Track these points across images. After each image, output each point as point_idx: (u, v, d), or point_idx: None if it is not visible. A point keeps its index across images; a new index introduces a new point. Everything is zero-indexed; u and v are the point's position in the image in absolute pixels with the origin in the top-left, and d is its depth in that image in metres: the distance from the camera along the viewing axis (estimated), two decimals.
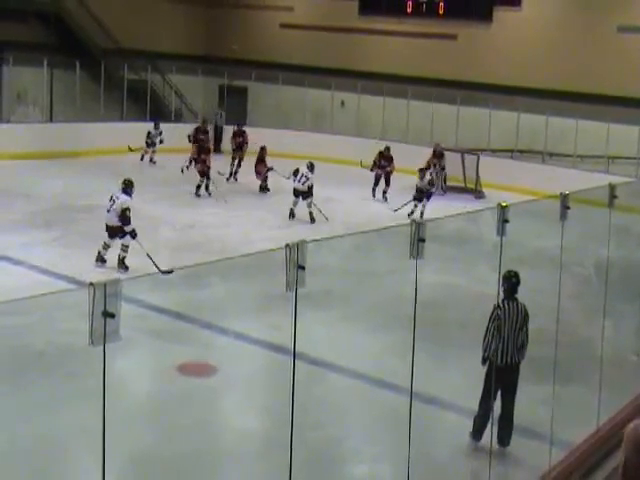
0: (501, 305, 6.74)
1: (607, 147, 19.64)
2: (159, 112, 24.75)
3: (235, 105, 26.02)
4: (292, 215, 15.64)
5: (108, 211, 11.59)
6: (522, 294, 9.72)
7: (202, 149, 18.47)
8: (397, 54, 25.07)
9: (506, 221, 5.76)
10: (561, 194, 6.47)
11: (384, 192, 18.62)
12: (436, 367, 8.57)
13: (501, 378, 6.57)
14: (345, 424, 7.66)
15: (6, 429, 6.64)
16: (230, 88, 26.26)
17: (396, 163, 18.90)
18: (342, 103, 24.81)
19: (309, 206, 15.61)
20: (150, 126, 21.75)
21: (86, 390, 3.13)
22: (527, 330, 6.80)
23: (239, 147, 20.84)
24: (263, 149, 19.09)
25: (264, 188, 18.56)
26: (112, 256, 11.68)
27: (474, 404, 6.73)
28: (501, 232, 5.76)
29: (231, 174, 20.08)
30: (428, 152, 20.97)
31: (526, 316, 6.80)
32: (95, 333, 3.06)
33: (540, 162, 21.16)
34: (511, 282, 6.73)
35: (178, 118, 25.76)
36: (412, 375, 4.68)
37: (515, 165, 20.95)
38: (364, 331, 9.32)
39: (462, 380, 8.26)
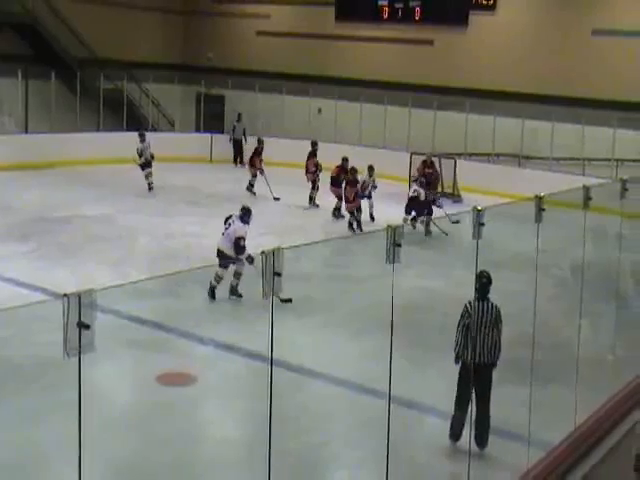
0: (471, 303, 6.82)
1: (582, 149, 19.82)
2: (136, 121, 24.64)
3: (212, 113, 26.01)
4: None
5: (222, 234, 10.88)
6: (499, 296, 9.79)
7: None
8: (374, 60, 25.16)
9: (482, 224, 5.81)
10: (536, 196, 6.53)
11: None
12: (415, 371, 8.60)
13: (474, 378, 6.62)
14: (326, 430, 7.67)
15: None
16: (207, 96, 26.23)
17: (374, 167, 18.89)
18: (319, 110, 24.84)
19: (371, 207, 16.79)
20: (131, 137, 21.43)
21: (65, 401, 3.12)
22: (499, 331, 6.84)
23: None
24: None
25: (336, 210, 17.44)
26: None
27: (452, 407, 6.77)
28: (477, 235, 5.81)
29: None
30: (406, 157, 21.07)
31: (498, 317, 6.84)
32: (70, 344, 3.05)
33: (516, 165, 21.29)
34: (482, 282, 6.77)
35: (155, 128, 25.68)
36: (390, 379, 4.71)
37: (492, 169, 21.06)
38: (345, 337, 9.34)
39: (441, 383, 8.30)
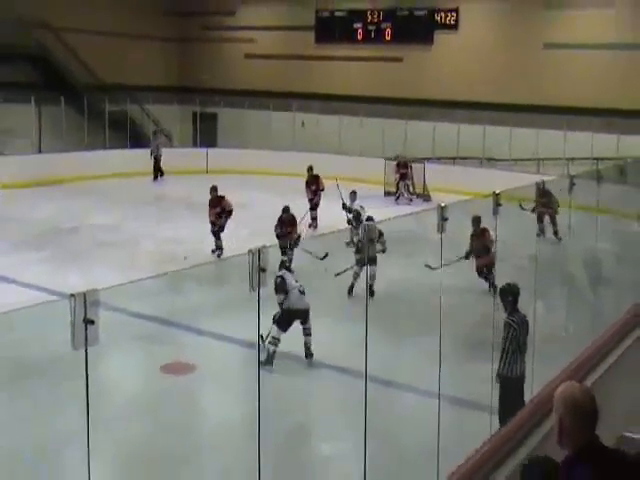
0: (513, 320, 6.43)
1: (537, 151, 19.94)
2: (138, 139, 24.61)
3: (207, 129, 26.01)
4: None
5: (302, 292, 8.84)
6: (465, 283, 9.83)
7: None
8: (350, 77, 25.20)
9: (445, 219, 5.79)
10: (493, 193, 6.53)
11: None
12: (394, 353, 8.64)
13: (516, 389, 6.25)
14: (314, 409, 7.69)
15: (6, 430, 6.59)
16: (202, 114, 26.20)
17: (353, 174, 18.92)
18: (302, 123, 24.84)
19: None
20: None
21: (77, 393, 3.12)
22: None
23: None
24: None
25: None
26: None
27: (428, 385, 6.71)
28: (441, 229, 5.79)
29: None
30: (381, 163, 21.10)
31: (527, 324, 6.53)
32: (77, 339, 3.05)
33: (479, 166, 21.37)
34: (514, 292, 6.47)
35: None
36: (366, 359, 4.72)
37: (457, 170, 21.11)
38: (328, 324, 9.31)
39: (416, 363, 8.32)
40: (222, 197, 14.14)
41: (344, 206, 14.06)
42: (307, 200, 16.29)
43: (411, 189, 20.55)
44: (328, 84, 25.35)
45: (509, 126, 20.23)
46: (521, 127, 20.06)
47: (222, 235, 13.78)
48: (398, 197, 20.26)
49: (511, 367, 6.39)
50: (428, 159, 21.21)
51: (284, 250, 10.52)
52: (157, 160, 22.44)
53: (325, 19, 25.94)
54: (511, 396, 6.24)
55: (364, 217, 13.03)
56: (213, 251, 13.64)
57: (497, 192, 6.55)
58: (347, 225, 13.55)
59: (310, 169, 17.00)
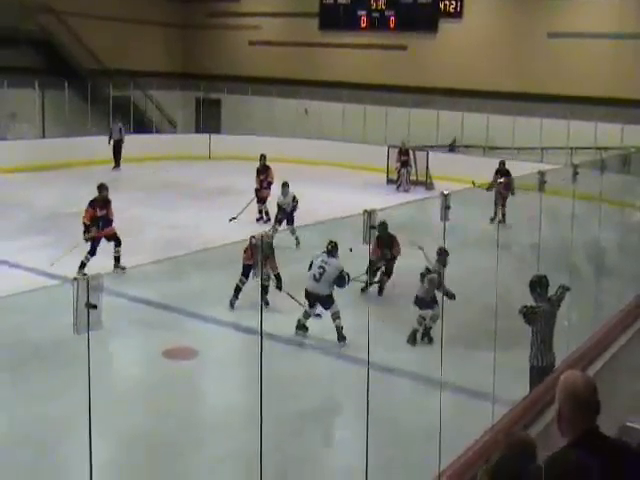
0: (540, 307, 6.46)
1: (540, 139, 19.86)
2: (141, 124, 24.58)
3: (211, 116, 25.93)
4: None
5: (316, 280, 8.97)
6: (466, 272, 9.80)
7: None
8: (354, 64, 25.08)
9: (448, 207, 5.75)
10: (497, 181, 6.49)
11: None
12: (398, 340, 8.65)
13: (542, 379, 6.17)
14: (318, 396, 7.68)
15: (9, 413, 6.60)
16: (206, 100, 26.12)
17: (356, 161, 18.88)
18: (306, 110, 24.77)
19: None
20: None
21: (80, 376, 3.10)
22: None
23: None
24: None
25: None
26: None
27: (431, 372, 6.72)
28: (444, 217, 5.75)
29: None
30: (384, 150, 21.05)
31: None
32: (79, 323, 3.03)
33: (482, 155, 21.30)
34: (542, 283, 6.51)
35: (159, 130, 25.62)
36: (368, 346, 4.70)
37: (460, 158, 21.06)
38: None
39: (419, 351, 8.33)
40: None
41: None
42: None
43: (411, 177, 20.47)
44: (332, 71, 25.25)
45: (512, 115, 20.16)
46: (524, 116, 20.00)
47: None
48: (399, 185, 20.21)
49: (542, 357, 6.43)
50: (431, 147, 21.16)
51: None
52: (118, 145, 21.52)
53: (329, 6, 25.80)
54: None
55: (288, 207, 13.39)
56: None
57: (500, 181, 6.52)
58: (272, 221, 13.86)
59: (262, 157, 15.69)
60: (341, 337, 8.82)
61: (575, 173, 7.25)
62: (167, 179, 19.39)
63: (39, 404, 6.87)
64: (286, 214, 13.56)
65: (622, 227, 9.35)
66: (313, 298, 9.06)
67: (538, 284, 6.55)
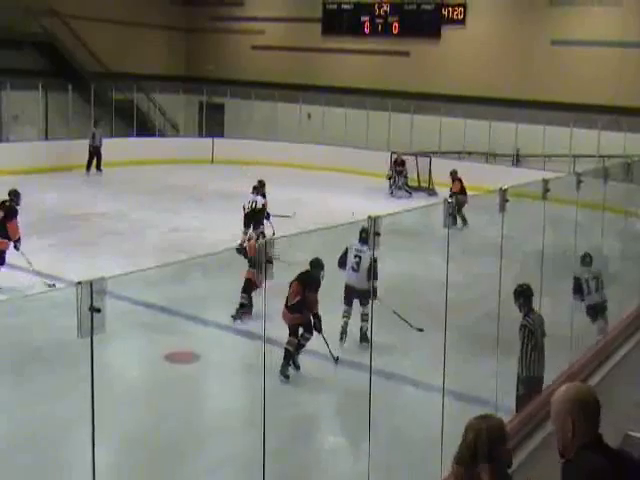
0: (528, 321, 6.41)
1: (543, 147, 19.86)
2: (144, 128, 24.60)
3: (214, 120, 25.95)
4: None
5: (355, 270, 8.66)
6: (469, 279, 9.79)
7: None
8: (357, 70, 25.10)
9: (451, 214, 5.75)
10: (500, 189, 6.48)
11: None
12: (401, 347, 8.62)
13: (535, 389, 6.21)
14: (319, 402, 7.67)
15: (11, 415, 6.59)
16: (208, 105, 26.14)
17: (358, 166, 18.86)
18: (309, 115, 24.79)
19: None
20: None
21: (82, 379, 3.10)
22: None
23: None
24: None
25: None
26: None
27: (432, 379, 6.72)
28: (448, 224, 5.75)
29: None
30: (386, 156, 21.05)
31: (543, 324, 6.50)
32: (83, 326, 3.03)
33: (484, 162, 21.30)
34: (527, 295, 6.46)
35: (161, 133, 25.64)
36: (371, 352, 4.70)
37: (462, 165, 21.03)
38: (330, 318, 9.27)
39: (421, 358, 8.31)
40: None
41: None
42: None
43: (409, 183, 20.43)
44: (334, 77, 25.26)
45: (515, 122, 20.16)
46: (527, 123, 20.00)
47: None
48: (392, 191, 20.15)
49: (532, 368, 6.36)
50: (434, 153, 21.15)
51: None
52: (97, 150, 21.00)
53: (332, 11, 25.82)
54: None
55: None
56: None
57: (504, 188, 6.50)
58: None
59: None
60: (363, 339, 8.64)
61: (579, 181, 7.25)
62: (170, 183, 19.40)
63: (41, 406, 6.86)
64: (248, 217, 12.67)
65: (625, 235, 9.35)
66: (355, 294, 8.65)
67: (521, 294, 6.51)
